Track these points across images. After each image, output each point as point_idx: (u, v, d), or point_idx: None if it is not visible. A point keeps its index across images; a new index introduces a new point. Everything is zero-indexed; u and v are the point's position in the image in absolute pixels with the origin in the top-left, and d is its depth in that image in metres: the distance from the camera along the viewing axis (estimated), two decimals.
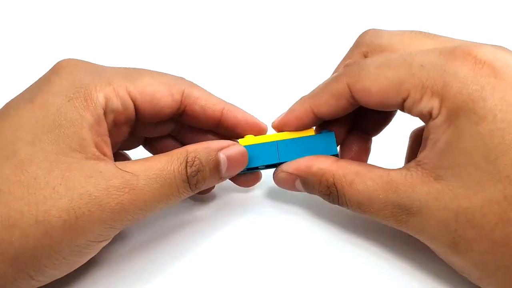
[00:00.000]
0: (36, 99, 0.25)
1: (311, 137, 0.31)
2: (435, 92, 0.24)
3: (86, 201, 0.24)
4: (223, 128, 0.31)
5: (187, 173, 0.27)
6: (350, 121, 0.32)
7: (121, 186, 0.24)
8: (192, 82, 0.31)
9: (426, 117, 0.25)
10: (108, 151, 0.26)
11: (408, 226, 0.25)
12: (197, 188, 0.28)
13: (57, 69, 0.27)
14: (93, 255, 0.26)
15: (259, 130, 0.32)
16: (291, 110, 0.31)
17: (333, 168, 0.28)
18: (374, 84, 0.27)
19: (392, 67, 0.26)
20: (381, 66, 0.27)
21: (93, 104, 0.26)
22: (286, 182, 0.31)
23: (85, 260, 0.26)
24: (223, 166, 0.29)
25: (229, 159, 0.29)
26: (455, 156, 0.24)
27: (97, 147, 0.26)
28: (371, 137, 0.33)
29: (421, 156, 0.25)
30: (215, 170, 0.29)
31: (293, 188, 0.31)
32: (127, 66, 0.30)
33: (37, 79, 0.28)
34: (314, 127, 0.31)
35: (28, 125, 0.25)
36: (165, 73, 0.30)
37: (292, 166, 0.30)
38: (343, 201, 0.28)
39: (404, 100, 0.26)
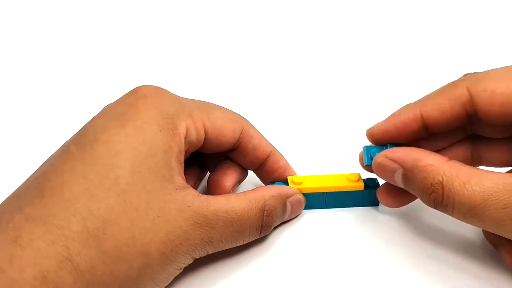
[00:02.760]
0: (127, 126, 0.26)
1: (358, 192, 0.33)
2: None
3: (178, 234, 0.25)
4: (263, 169, 0.33)
5: (262, 222, 0.29)
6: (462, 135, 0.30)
7: (203, 224, 0.26)
8: (248, 121, 0.32)
9: None
10: (184, 176, 0.27)
11: None
12: (264, 234, 0.30)
13: (142, 97, 0.27)
14: (172, 279, 0.27)
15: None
16: (394, 115, 0.29)
17: (444, 166, 0.26)
18: (499, 85, 0.25)
19: None
20: (506, 69, 0.26)
21: (178, 135, 0.27)
22: (386, 170, 0.29)
23: (167, 283, 0.27)
24: (288, 213, 0.32)
25: (292, 207, 0.32)
26: None
27: (180, 174, 0.27)
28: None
29: None
30: (282, 217, 0.31)
31: (390, 177, 0.29)
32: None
33: (116, 102, 0.28)
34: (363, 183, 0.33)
35: (125, 151, 0.25)
36: (227, 109, 0.32)
37: (398, 154, 0.28)
38: (449, 203, 0.25)
39: None
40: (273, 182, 0.34)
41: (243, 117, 0.32)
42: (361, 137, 0.41)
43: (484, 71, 0.27)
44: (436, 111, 0.28)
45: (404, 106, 0.29)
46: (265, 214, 0.29)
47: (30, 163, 0.28)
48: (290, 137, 0.42)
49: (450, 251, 0.31)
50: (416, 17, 0.61)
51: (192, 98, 0.32)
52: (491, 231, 0.26)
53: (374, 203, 0.34)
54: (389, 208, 0.34)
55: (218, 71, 0.52)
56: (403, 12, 0.62)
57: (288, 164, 0.34)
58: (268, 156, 0.33)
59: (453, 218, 0.30)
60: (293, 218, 0.33)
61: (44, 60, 0.51)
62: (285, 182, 0.33)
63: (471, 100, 0.26)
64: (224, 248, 0.28)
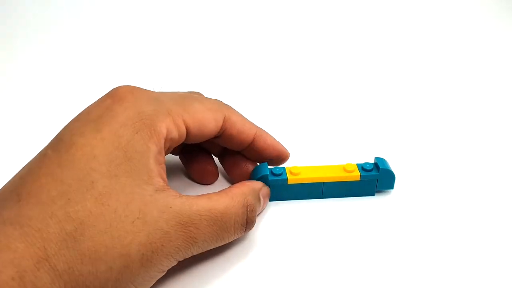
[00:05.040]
0: (104, 130, 0.26)
1: (354, 182, 0.33)
2: None
3: (159, 236, 0.25)
4: (252, 150, 0.33)
5: (247, 217, 0.29)
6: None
7: (187, 225, 0.26)
8: (230, 106, 0.33)
9: None
10: (165, 176, 0.27)
11: None
12: (248, 230, 0.30)
13: (118, 99, 0.27)
14: (153, 283, 0.27)
15: (283, 157, 0.34)
16: None
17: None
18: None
19: None
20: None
21: (157, 135, 0.27)
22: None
23: (149, 286, 0.26)
24: (262, 206, 0.32)
25: (264, 200, 0.32)
26: None
27: (159, 175, 0.27)
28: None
29: None
30: (259, 210, 0.32)
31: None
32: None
33: (92, 105, 0.28)
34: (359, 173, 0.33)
35: (101, 156, 0.25)
36: (209, 98, 0.32)
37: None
38: None
39: None
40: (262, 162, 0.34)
41: (224, 104, 0.32)
42: (357, 128, 0.42)
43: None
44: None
45: None
46: (248, 209, 0.29)
47: (8, 168, 0.28)
48: (288, 129, 0.42)
49: (445, 241, 0.31)
50: (411, 18, 0.61)
51: (172, 92, 0.32)
52: None
53: (370, 193, 0.34)
54: (384, 198, 0.34)
55: (216, 67, 0.52)
56: (399, 12, 0.62)
57: (277, 141, 0.34)
58: (254, 138, 0.33)
59: (450, 210, 0.33)
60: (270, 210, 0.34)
61: (27, 61, 0.52)
62: (269, 162, 0.34)
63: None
64: (209, 248, 0.28)
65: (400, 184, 0.35)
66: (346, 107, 0.45)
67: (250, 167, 0.35)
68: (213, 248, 0.29)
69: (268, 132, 0.34)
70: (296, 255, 0.31)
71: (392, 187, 0.34)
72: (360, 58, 0.54)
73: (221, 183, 0.37)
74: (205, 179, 0.36)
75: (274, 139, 0.34)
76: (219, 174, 0.37)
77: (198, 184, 0.36)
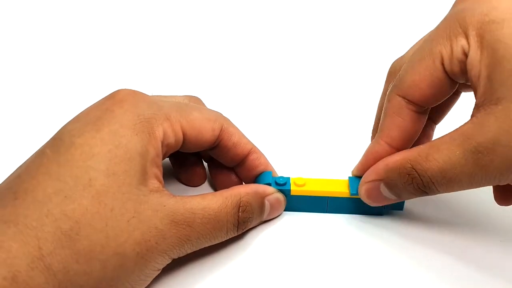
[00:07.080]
0: (103, 130, 0.26)
1: (361, 199, 0.32)
2: (459, 33, 0.26)
3: (154, 234, 0.25)
4: (243, 166, 0.33)
5: (238, 217, 0.29)
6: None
7: (180, 223, 0.26)
8: (228, 119, 0.33)
9: (463, 60, 0.26)
10: (162, 179, 0.28)
11: (494, 167, 0.24)
12: (241, 231, 0.30)
13: (118, 101, 0.27)
14: (150, 281, 0.27)
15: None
16: (368, 152, 0.31)
17: (405, 155, 0.28)
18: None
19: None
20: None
21: (155, 138, 0.27)
22: (373, 192, 0.30)
23: (145, 286, 0.27)
24: (266, 212, 0.32)
25: (272, 206, 0.32)
26: (502, 71, 0.24)
27: (156, 177, 0.27)
28: (435, 124, 0.34)
29: (477, 99, 0.25)
30: (261, 215, 0.32)
31: (380, 197, 0.30)
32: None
33: (92, 107, 0.28)
34: None
35: (100, 154, 0.25)
36: (207, 108, 0.33)
37: (370, 174, 0.30)
38: (427, 180, 0.27)
39: (443, 63, 0.27)
40: (258, 176, 0.34)
41: (222, 116, 0.33)
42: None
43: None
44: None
45: (372, 142, 0.31)
46: (240, 210, 0.29)
47: (5, 167, 0.28)
48: (297, 137, 0.41)
49: (451, 263, 0.30)
50: (411, 19, 0.59)
51: (171, 99, 0.32)
52: (469, 188, 0.26)
53: (378, 212, 0.33)
54: (392, 218, 0.33)
55: (215, 73, 0.51)
56: (398, 13, 0.61)
57: (269, 163, 0.34)
58: (248, 153, 0.33)
59: (456, 228, 0.33)
60: (274, 218, 0.33)
61: (28, 60, 0.51)
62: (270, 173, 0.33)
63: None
64: (203, 246, 0.28)
65: (411, 204, 0.34)
66: (362, 121, 0.44)
67: (234, 177, 0.35)
68: (207, 250, 0.29)
69: (263, 151, 0.34)
70: (290, 268, 0.30)
71: (401, 209, 0.33)
72: (367, 66, 0.52)
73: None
74: (193, 181, 0.36)
75: (267, 160, 0.34)
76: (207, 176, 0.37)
77: (192, 188, 0.36)
